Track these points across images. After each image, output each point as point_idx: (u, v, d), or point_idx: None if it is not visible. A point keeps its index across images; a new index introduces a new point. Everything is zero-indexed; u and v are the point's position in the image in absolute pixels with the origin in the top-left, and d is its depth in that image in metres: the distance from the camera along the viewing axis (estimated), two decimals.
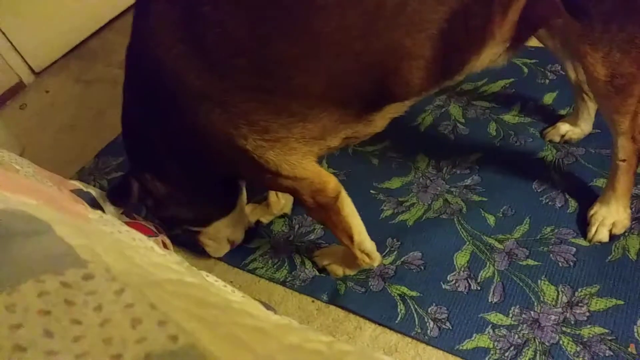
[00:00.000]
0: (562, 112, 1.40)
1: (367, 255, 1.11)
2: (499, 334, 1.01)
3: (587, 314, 1.00)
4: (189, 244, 1.35)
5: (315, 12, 0.81)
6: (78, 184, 0.95)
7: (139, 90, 0.97)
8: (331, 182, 1.00)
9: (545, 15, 0.92)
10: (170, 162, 1.03)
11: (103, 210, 0.93)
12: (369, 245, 1.10)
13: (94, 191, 0.97)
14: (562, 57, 1.21)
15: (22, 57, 2.19)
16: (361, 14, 0.81)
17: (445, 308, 1.08)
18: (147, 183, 1.05)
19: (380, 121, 0.99)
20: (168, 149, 1.00)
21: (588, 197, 1.17)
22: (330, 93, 0.89)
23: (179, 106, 0.90)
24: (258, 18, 0.81)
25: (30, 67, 2.24)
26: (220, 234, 1.22)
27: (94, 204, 0.92)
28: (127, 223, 0.89)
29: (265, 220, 1.35)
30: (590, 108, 1.26)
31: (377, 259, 1.13)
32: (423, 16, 0.82)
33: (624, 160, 1.03)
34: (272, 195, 1.33)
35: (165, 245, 1.07)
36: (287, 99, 0.88)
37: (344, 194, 1.03)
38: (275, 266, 1.26)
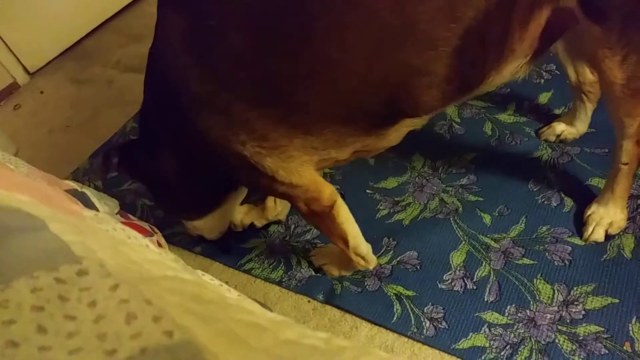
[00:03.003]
0: (558, 111, 1.41)
1: (363, 258, 1.10)
2: (495, 332, 1.01)
3: (583, 312, 1.01)
4: (184, 244, 1.35)
5: (317, 33, 0.80)
6: (73, 184, 0.94)
7: (153, 87, 1.01)
8: (326, 191, 0.99)
9: (564, 26, 0.91)
10: (167, 155, 1.04)
11: (98, 210, 0.93)
12: (365, 248, 1.10)
13: (88, 191, 0.96)
14: (563, 58, 1.21)
15: (16, 57, 2.18)
16: (364, 36, 0.79)
17: (441, 307, 1.08)
18: (141, 162, 1.08)
19: (394, 135, 0.98)
20: (169, 143, 1.03)
21: (583, 197, 1.18)
22: (333, 110, 0.88)
23: (182, 109, 0.92)
24: (261, 35, 0.81)
25: (24, 68, 2.22)
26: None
27: (89, 205, 0.91)
28: (122, 223, 0.88)
29: (259, 224, 1.34)
30: (588, 109, 1.27)
31: (372, 261, 1.12)
32: (434, 35, 0.79)
33: (626, 164, 1.03)
34: (270, 200, 1.32)
35: (160, 245, 1.06)
36: (288, 112, 0.88)
37: (339, 202, 1.02)
38: (271, 266, 1.26)
